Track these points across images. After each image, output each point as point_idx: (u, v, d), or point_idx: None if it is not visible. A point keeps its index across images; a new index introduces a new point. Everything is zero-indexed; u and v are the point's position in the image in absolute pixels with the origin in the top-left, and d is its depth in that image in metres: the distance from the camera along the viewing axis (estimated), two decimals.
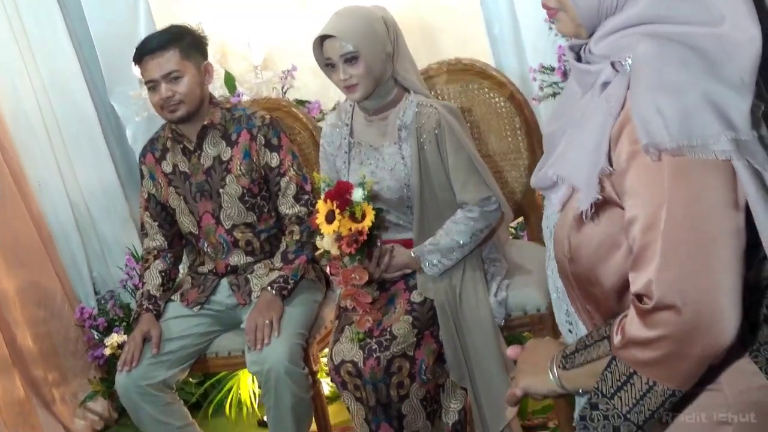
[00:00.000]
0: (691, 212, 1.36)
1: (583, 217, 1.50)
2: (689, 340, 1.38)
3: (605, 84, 1.50)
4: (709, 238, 1.36)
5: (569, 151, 1.54)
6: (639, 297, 1.42)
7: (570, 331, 1.73)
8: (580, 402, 1.65)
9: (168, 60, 3.20)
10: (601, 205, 1.48)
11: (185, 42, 3.26)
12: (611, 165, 1.44)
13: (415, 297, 3.00)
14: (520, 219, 3.62)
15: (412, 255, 3.02)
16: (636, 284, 1.42)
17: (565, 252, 1.59)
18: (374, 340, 2.89)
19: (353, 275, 2.93)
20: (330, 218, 2.89)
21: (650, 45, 1.42)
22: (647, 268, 1.40)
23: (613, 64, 1.48)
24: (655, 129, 1.36)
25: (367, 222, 2.87)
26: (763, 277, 1.47)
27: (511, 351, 1.79)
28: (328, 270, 3.22)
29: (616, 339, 1.48)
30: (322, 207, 2.92)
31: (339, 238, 2.89)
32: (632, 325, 1.43)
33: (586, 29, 1.54)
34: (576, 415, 1.56)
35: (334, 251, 2.92)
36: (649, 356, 1.42)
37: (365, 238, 2.88)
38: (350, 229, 2.87)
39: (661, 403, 1.45)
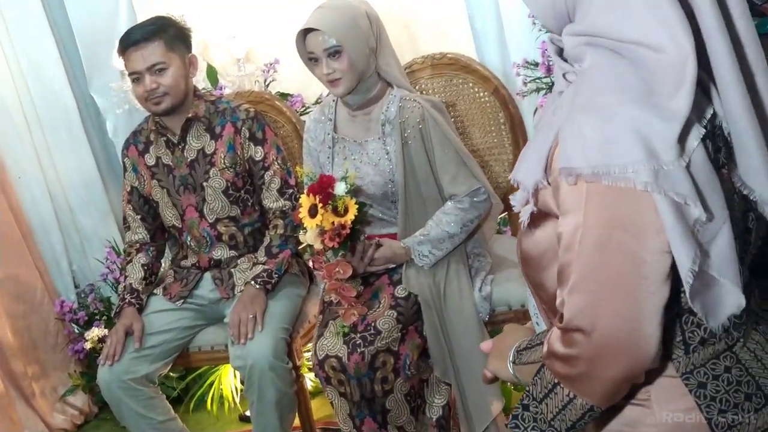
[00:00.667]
0: (604, 238, 1.35)
1: (521, 225, 1.54)
2: (600, 362, 1.39)
3: (560, 93, 1.51)
4: (621, 265, 1.35)
5: (525, 156, 1.54)
6: (561, 314, 1.44)
7: (537, 324, 1.76)
8: None
9: (152, 52, 3.18)
10: (544, 215, 1.49)
11: (170, 34, 3.23)
12: (548, 178, 1.44)
13: (400, 292, 3.00)
14: (504, 214, 3.62)
15: (402, 246, 3.02)
16: (558, 301, 1.44)
17: (518, 254, 1.63)
18: (358, 335, 2.89)
19: (337, 269, 2.92)
20: (313, 212, 2.88)
21: (594, 59, 1.40)
22: (563, 288, 1.42)
23: (564, 75, 1.49)
24: (573, 153, 1.35)
25: (350, 216, 2.86)
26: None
27: (484, 345, 1.83)
28: (311, 264, 3.21)
29: (544, 348, 1.50)
30: (305, 201, 2.91)
31: (322, 232, 2.89)
32: (554, 339, 1.46)
33: (552, 29, 1.54)
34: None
35: (318, 245, 2.92)
36: (566, 371, 1.44)
37: (348, 232, 2.88)
38: (333, 223, 2.86)
39: (581, 416, 1.47)
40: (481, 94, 3.48)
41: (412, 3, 4.24)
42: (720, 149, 1.41)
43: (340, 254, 2.95)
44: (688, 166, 1.32)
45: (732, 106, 1.36)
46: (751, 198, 1.42)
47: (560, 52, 1.54)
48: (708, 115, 1.38)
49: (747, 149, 1.39)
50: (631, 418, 1.52)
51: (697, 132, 1.33)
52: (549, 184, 1.43)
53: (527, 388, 1.55)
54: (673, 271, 1.35)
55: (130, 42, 3.20)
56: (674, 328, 1.46)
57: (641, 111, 1.31)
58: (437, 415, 3.03)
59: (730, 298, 1.39)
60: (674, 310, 1.43)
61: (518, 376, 1.65)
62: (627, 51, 1.35)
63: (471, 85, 3.48)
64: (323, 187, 2.87)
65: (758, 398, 1.46)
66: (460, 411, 3.02)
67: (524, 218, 1.52)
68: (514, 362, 1.66)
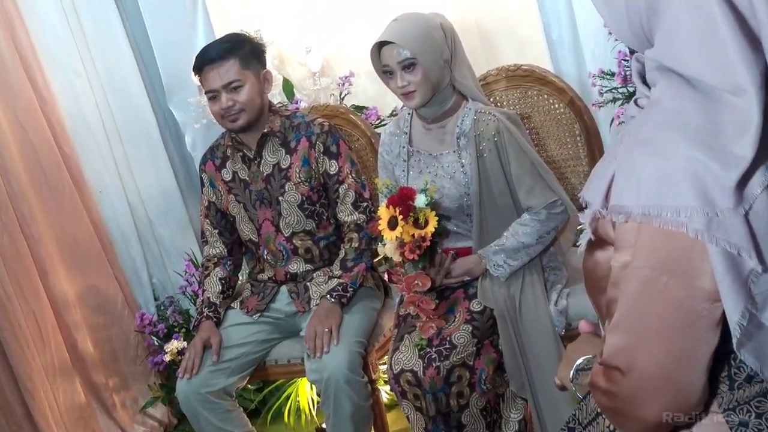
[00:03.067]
0: (650, 281, 1.31)
1: (581, 247, 1.54)
2: (636, 403, 1.38)
3: (632, 117, 1.47)
4: (665, 310, 1.31)
5: (595, 175, 1.50)
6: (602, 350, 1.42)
7: None
8: None
9: (228, 70, 3.21)
10: (604, 241, 1.45)
11: (245, 51, 3.26)
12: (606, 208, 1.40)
13: (475, 306, 2.98)
14: (581, 225, 3.58)
15: (477, 256, 3.01)
16: (602, 334, 1.44)
17: (582, 272, 1.60)
18: (434, 349, 2.88)
19: (416, 281, 2.92)
20: (393, 224, 2.88)
21: (664, 89, 1.35)
22: (608, 323, 1.41)
23: (636, 101, 1.46)
24: (625, 190, 1.32)
25: (431, 228, 2.86)
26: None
27: (583, 324, 1.84)
28: (386, 277, 3.21)
29: (590, 376, 1.50)
30: (384, 213, 2.91)
31: (402, 244, 2.88)
32: (596, 371, 1.46)
33: (634, 48, 1.48)
34: None
35: (396, 258, 2.92)
36: (606, 404, 1.44)
37: (428, 244, 2.88)
38: (413, 236, 2.86)
39: None
40: (557, 106, 3.46)
41: (488, 13, 4.22)
42: None
43: (419, 267, 2.94)
44: (747, 214, 1.26)
45: None
46: None
47: (643, 73, 1.48)
48: None
49: None
50: None
51: (762, 178, 1.26)
52: (606, 215, 1.39)
53: (574, 411, 1.57)
54: (725, 317, 1.30)
55: (205, 60, 3.23)
56: (721, 363, 1.41)
57: (702, 152, 1.25)
58: (513, 429, 3.00)
59: None
60: (725, 349, 1.36)
61: (578, 393, 1.66)
62: (701, 86, 1.29)
63: (546, 96, 3.46)
64: (404, 199, 2.87)
65: None
66: (536, 425, 2.99)
67: (583, 242, 1.51)
68: (573, 380, 1.67)
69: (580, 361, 1.66)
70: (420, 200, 2.87)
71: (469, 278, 3.06)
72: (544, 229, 2.98)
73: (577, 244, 3.78)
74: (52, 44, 4.24)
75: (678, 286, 1.29)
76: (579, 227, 3.42)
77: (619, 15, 1.40)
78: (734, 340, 1.29)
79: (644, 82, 1.46)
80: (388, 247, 2.94)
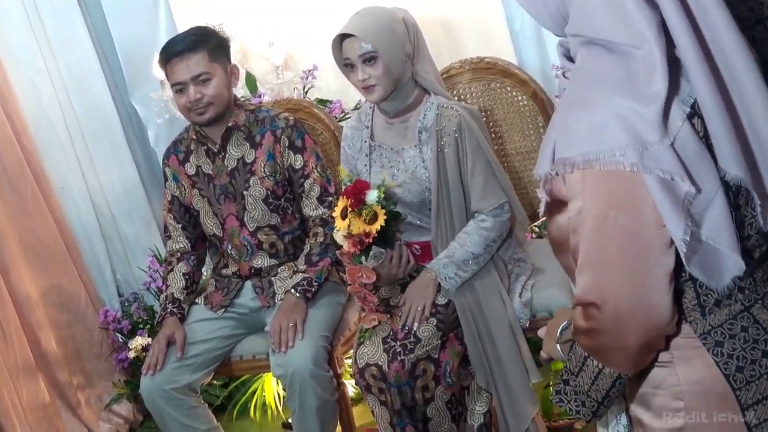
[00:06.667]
0: (601, 219, 1.44)
1: (539, 215, 1.71)
2: (616, 332, 1.49)
3: (564, 89, 1.60)
4: (620, 242, 1.44)
5: (541, 150, 1.62)
6: None
7: None
8: None
9: (197, 62, 3.19)
10: (561, 202, 1.55)
11: (212, 44, 3.24)
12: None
13: (440, 299, 2.98)
14: (545, 218, 3.59)
15: (427, 271, 3.00)
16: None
17: (549, 239, 1.72)
18: (398, 343, 2.88)
19: (360, 274, 2.92)
20: (344, 214, 2.89)
21: (584, 57, 1.49)
22: (576, 267, 1.52)
23: (564, 74, 1.60)
24: (565, 145, 1.46)
25: (376, 226, 2.85)
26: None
27: (541, 331, 1.90)
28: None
29: (572, 325, 1.63)
30: (341, 202, 2.92)
31: (349, 235, 2.88)
32: (576, 315, 1.56)
33: (554, 32, 1.63)
34: (552, 389, 1.77)
35: (346, 247, 2.92)
36: (590, 344, 1.56)
37: (371, 241, 2.88)
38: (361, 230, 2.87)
39: (612, 384, 1.58)
40: (520, 98, 3.46)
41: (452, 5, 4.22)
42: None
43: (359, 261, 2.94)
44: (673, 144, 1.40)
45: (697, 85, 1.41)
46: (727, 180, 1.45)
47: (567, 53, 1.61)
48: (692, 96, 1.44)
49: (714, 128, 1.43)
50: (657, 379, 1.59)
51: (680, 111, 1.42)
52: (557, 174, 1.50)
53: (565, 364, 1.67)
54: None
55: (173, 52, 3.21)
56: (690, 292, 1.53)
57: (624, 99, 1.40)
58: (479, 422, 3.01)
59: (730, 263, 1.46)
60: (687, 275, 1.50)
61: (564, 354, 1.74)
62: (613, 47, 1.43)
63: (509, 89, 3.46)
64: (356, 192, 2.87)
65: None
66: (500, 418, 2.99)
67: (542, 209, 1.62)
68: (557, 341, 1.76)
69: (563, 324, 1.76)
70: (371, 196, 2.87)
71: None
72: (490, 236, 2.97)
73: (544, 234, 3.81)
74: (12, 41, 4.22)
75: (626, 218, 1.43)
76: (542, 220, 3.44)
77: (538, 1, 1.56)
78: (682, 256, 1.43)
79: (570, 60, 1.60)
80: (337, 235, 2.95)
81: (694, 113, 1.43)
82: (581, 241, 1.48)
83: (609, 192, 1.42)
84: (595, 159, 1.40)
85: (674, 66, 1.42)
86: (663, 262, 1.44)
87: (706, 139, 1.44)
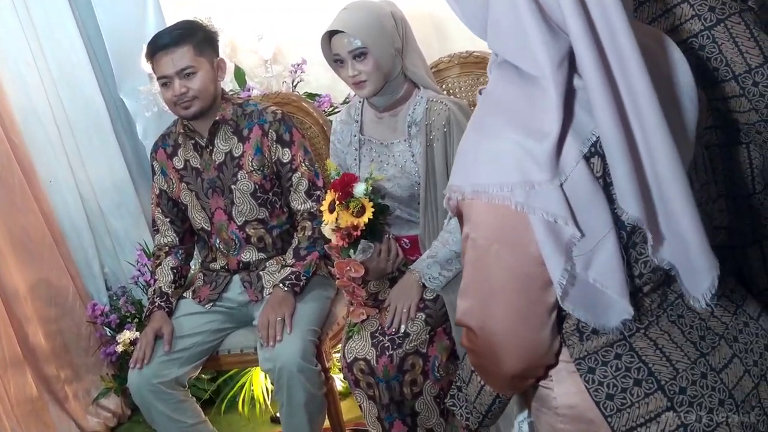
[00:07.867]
0: (483, 250, 1.44)
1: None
2: (492, 359, 1.53)
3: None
4: (500, 275, 1.44)
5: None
6: None
7: None
8: None
9: (182, 56, 3.18)
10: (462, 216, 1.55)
11: (198, 38, 3.23)
12: None
13: (428, 294, 2.97)
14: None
15: (411, 273, 2.99)
16: None
17: None
18: (387, 337, 2.88)
19: (348, 267, 2.92)
20: (332, 208, 2.89)
21: (493, 79, 1.49)
22: (460, 287, 1.54)
23: (480, 92, 1.56)
24: (458, 170, 1.45)
25: (364, 219, 2.84)
26: None
27: None
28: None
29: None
30: (329, 195, 2.91)
31: (337, 228, 2.88)
32: (462, 332, 1.58)
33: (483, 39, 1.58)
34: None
35: (334, 240, 2.92)
36: (473, 361, 1.62)
37: (359, 234, 2.87)
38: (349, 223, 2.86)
39: (492, 401, 1.67)
40: None
41: (440, 0, 4.21)
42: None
43: (347, 254, 2.94)
44: (563, 185, 1.36)
45: (601, 123, 1.36)
46: (624, 219, 1.42)
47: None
48: (595, 134, 1.39)
49: (616, 169, 1.38)
50: (542, 398, 1.62)
51: (576, 151, 1.37)
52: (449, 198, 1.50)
53: (458, 371, 1.74)
54: None
55: (158, 46, 3.20)
56: (572, 317, 1.51)
57: (520, 134, 1.36)
58: None
59: (618, 307, 1.45)
60: None
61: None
62: (521, 72, 1.40)
63: None
64: (343, 185, 2.86)
65: (649, 384, 1.50)
66: None
67: (452, 222, 1.66)
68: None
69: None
70: (359, 189, 2.86)
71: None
72: None
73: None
74: (1, 35, 4.18)
75: (508, 254, 1.43)
76: None
77: (468, 9, 1.48)
78: (558, 298, 1.42)
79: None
80: (325, 229, 2.95)
81: (595, 152, 1.39)
82: (465, 266, 1.49)
83: (494, 226, 1.42)
84: (484, 192, 1.38)
85: (583, 96, 1.38)
86: (543, 299, 1.44)
87: (604, 179, 1.40)
